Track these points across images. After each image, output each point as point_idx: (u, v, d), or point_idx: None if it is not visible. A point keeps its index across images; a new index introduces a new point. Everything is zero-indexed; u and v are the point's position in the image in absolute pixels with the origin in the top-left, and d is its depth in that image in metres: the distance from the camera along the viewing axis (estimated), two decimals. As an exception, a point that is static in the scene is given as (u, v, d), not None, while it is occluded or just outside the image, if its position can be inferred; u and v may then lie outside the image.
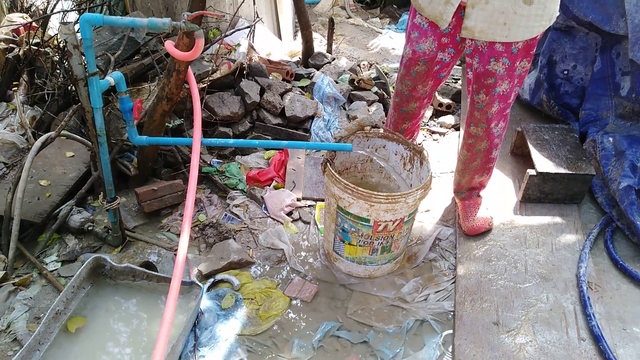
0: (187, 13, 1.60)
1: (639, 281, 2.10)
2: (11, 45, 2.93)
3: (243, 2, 2.86)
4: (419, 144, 2.15)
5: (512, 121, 2.98)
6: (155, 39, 2.98)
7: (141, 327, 1.82)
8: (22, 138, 2.59)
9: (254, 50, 3.52)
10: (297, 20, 3.82)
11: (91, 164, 2.48)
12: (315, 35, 4.30)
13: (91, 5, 3.00)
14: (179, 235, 2.26)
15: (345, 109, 3.30)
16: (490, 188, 2.45)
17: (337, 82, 3.43)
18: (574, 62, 2.91)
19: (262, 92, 3.05)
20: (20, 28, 3.11)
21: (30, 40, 2.78)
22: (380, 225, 1.93)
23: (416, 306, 2.02)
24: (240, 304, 2.00)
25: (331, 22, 3.95)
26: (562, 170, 2.40)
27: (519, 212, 2.45)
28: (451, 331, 1.92)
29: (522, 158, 2.80)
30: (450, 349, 1.86)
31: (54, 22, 3.32)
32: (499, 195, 2.56)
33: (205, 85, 2.74)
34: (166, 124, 2.46)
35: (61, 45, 2.84)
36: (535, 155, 2.50)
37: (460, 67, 3.93)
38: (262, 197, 2.52)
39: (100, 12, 3.47)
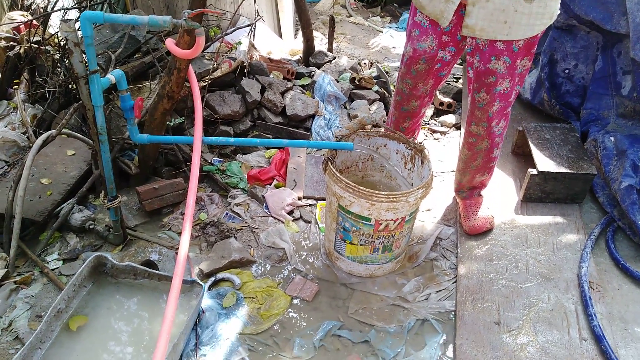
0: (188, 11, 1.60)
1: (640, 281, 2.10)
2: (12, 43, 2.93)
3: (244, 0, 2.86)
4: (420, 143, 2.14)
5: (513, 120, 2.98)
6: (156, 37, 2.98)
7: (142, 325, 1.82)
8: (23, 136, 2.59)
9: (255, 48, 3.51)
10: (297, 18, 3.82)
11: (92, 162, 2.48)
12: (316, 33, 4.30)
13: (92, 3, 2.99)
14: (180, 233, 2.26)
15: (346, 107, 3.30)
16: (491, 187, 2.45)
17: (338, 81, 3.43)
18: (575, 61, 2.91)
19: (263, 90, 3.05)
20: (20, 26, 3.11)
21: (31, 38, 2.77)
22: (381, 224, 1.93)
23: (417, 305, 2.02)
24: (241, 303, 2.00)
25: (332, 20, 3.94)
26: (563, 170, 2.39)
27: (520, 212, 2.45)
28: (452, 331, 1.92)
29: (523, 157, 2.80)
30: (451, 349, 1.86)
31: (55, 20, 3.32)
32: (500, 194, 2.56)
33: (206, 83, 2.74)
34: (167, 122, 2.46)
35: (62, 43, 2.84)
36: (537, 154, 2.50)
37: (461, 66, 3.93)
38: (263, 196, 2.52)
39: (101, 10, 3.47)
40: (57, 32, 2.86)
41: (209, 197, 2.54)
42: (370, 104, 3.28)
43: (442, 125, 3.34)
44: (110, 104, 2.61)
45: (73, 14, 3.20)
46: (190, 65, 2.07)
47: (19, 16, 3.23)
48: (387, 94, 3.43)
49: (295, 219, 2.46)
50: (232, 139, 2.09)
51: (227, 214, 2.46)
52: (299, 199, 2.56)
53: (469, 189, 2.35)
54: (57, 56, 2.80)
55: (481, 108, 2.00)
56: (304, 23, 3.63)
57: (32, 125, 2.62)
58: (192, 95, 1.98)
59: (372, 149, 2.23)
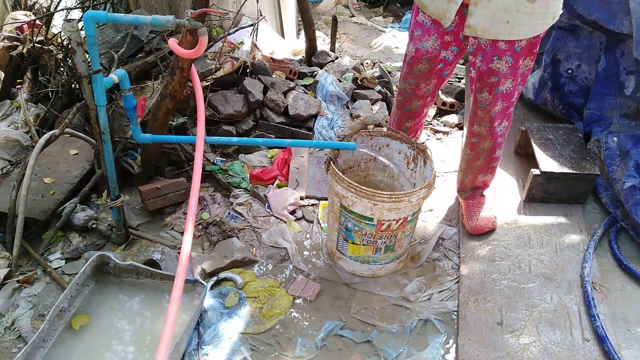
0: (191, 11, 1.60)
1: (643, 281, 2.10)
2: (15, 43, 2.94)
3: (246, 0, 2.86)
4: (423, 143, 2.14)
5: (516, 120, 2.97)
6: (158, 36, 2.98)
7: (145, 324, 1.82)
8: (26, 136, 2.60)
9: (257, 48, 3.52)
10: (300, 18, 3.81)
11: (95, 162, 2.48)
12: (318, 33, 4.30)
13: (95, 2, 3.00)
14: (182, 233, 2.27)
15: (348, 107, 3.30)
16: (493, 187, 2.44)
17: (340, 81, 3.43)
18: (578, 61, 2.90)
19: (265, 90, 3.05)
20: (24, 26, 3.12)
21: (34, 38, 2.78)
22: (383, 224, 1.92)
23: (420, 306, 2.02)
24: (243, 303, 2.00)
25: (334, 20, 3.94)
26: (566, 170, 2.39)
27: (523, 212, 2.44)
28: (455, 331, 1.92)
29: (526, 157, 2.79)
30: (453, 349, 1.86)
31: (58, 20, 3.33)
32: (503, 194, 2.55)
33: (209, 83, 2.74)
34: (170, 122, 2.46)
35: (65, 42, 2.85)
36: (539, 154, 2.49)
37: (463, 66, 3.92)
38: (265, 196, 2.52)
39: (104, 10, 3.47)
40: (60, 31, 2.87)
41: (212, 196, 2.54)
42: (372, 104, 3.27)
43: (444, 125, 3.33)
44: (113, 103, 2.61)
45: (76, 14, 3.20)
46: (192, 65, 2.07)
47: (22, 16, 3.24)
48: (389, 94, 3.43)
49: (297, 219, 2.46)
50: (234, 139, 2.09)
51: (229, 213, 2.46)
52: (302, 198, 2.56)
53: (471, 189, 2.35)
54: (60, 56, 2.81)
55: (484, 108, 2.00)
56: (307, 23, 3.63)
57: (35, 125, 2.63)
58: (194, 94, 1.98)
59: (374, 149, 2.23)
